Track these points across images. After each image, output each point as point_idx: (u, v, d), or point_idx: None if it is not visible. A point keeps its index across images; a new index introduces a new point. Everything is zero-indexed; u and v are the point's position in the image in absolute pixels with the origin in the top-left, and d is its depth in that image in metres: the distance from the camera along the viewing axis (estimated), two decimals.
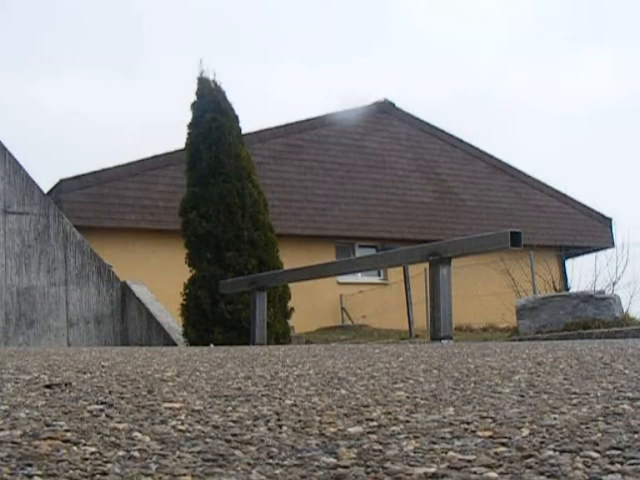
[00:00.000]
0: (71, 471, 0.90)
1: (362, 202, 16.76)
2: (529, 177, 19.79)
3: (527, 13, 40.16)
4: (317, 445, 1.07)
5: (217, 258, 7.77)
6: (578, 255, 18.35)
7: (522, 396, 1.52)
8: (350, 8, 39.26)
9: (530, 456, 0.97)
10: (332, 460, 0.97)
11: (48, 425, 1.19)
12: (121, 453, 1.01)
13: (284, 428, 1.20)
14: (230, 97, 8.50)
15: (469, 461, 0.95)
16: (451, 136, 19.04)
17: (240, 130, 8.50)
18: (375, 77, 36.97)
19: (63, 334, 8.74)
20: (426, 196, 17.87)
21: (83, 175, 14.42)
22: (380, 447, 1.05)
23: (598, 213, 20.32)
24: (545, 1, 39.22)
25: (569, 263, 18.46)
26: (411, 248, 4.94)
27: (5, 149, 8.81)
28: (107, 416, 1.30)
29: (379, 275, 17.08)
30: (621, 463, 0.92)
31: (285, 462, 0.97)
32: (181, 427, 1.20)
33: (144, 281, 9.56)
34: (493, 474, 0.89)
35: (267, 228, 8.10)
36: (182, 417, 1.30)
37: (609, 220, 20.06)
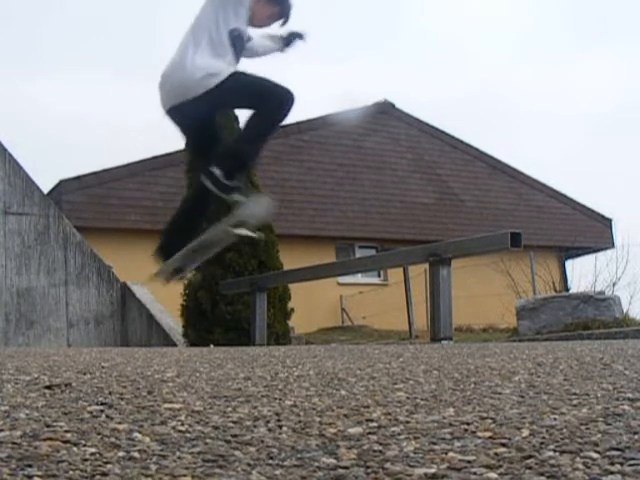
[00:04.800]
0: (71, 472, 0.90)
1: (362, 203, 16.76)
2: (529, 178, 19.79)
3: (529, 13, 40.17)
4: (317, 446, 1.07)
5: (217, 259, 7.76)
6: (578, 256, 18.36)
7: (522, 397, 1.52)
8: (350, 8, 39.27)
9: (530, 457, 0.97)
10: (332, 461, 0.97)
11: (48, 426, 1.19)
12: (121, 454, 1.01)
13: (284, 429, 1.20)
14: None
15: (469, 462, 0.95)
16: (451, 137, 19.04)
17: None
18: (375, 78, 36.99)
19: (63, 335, 8.74)
20: (426, 197, 17.87)
21: (83, 176, 14.41)
22: (380, 448, 1.05)
23: (598, 214, 20.32)
24: (548, 1, 39.23)
25: (569, 264, 18.47)
26: (411, 249, 4.94)
27: (5, 150, 8.81)
28: (107, 417, 1.30)
29: (379, 276, 17.08)
30: (621, 464, 0.92)
31: (285, 463, 0.97)
32: (181, 428, 1.20)
33: (144, 282, 9.55)
34: (493, 475, 0.89)
35: (267, 229, 8.10)
36: (182, 418, 1.30)
37: (609, 221, 20.05)
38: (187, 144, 4.77)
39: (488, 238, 4.38)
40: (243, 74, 4.06)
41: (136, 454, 1.01)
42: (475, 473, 0.90)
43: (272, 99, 3.94)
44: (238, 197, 3.98)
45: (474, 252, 4.61)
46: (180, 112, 4.06)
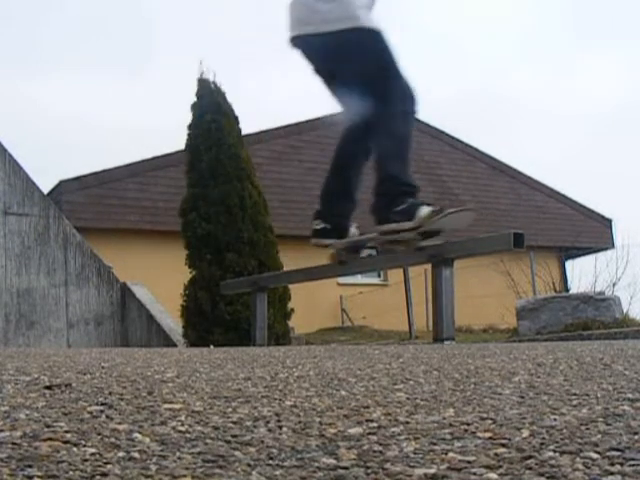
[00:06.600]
0: (71, 472, 0.90)
1: (362, 203, 16.74)
2: (529, 178, 19.80)
3: (529, 13, 40.18)
4: (317, 446, 1.07)
5: (217, 259, 7.77)
6: (578, 256, 18.37)
7: (522, 397, 1.52)
8: None
9: (530, 457, 0.97)
10: (332, 461, 0.97)
11: (48, 426, 1.19)
12: (121, 454, 1.01)
13: (284, 429, 1.20)
14: (230, 98, 8.51)
15: (469, 462, 0.95)
16: (451, 137, 19.04)
17: (240, 131, 8.50)
18: None
19: (63, 335, 8.74)
20: (426, 197, 17.85)
21: (83, 176, 14.42)
22: (380, 448, 1.05)
23: (598, 214, 20.33)
24: (548, 1, 39.25)
25: (569, 264, 18.49)
26: (413, 249, 4.90)
27: (5, 150, 8.81)
28: (107, 417, 1.30)
29: (379, 276, 17.08)
30: (621, 464, 0.92)
31: (285, 463, 0.97)
32: (181, 428, 1.20)
33: (144, 282, 9.56)
34: (493, 475, 0.89)
35: (267, 229, 8.11)
36: (182, 418, 1.30)
37: (609, 221, 20.07)
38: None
39: (490, 239, 4.36)
40: (380, 40, 3.62)
41: (136, 454, 1.01)
42: (475, 473, 0.90)
43: (393, 92, 3.65)
44: (425, 213, 3.84)
45: (477, 252, 4.59)
46: (304, 44, 3.81)
